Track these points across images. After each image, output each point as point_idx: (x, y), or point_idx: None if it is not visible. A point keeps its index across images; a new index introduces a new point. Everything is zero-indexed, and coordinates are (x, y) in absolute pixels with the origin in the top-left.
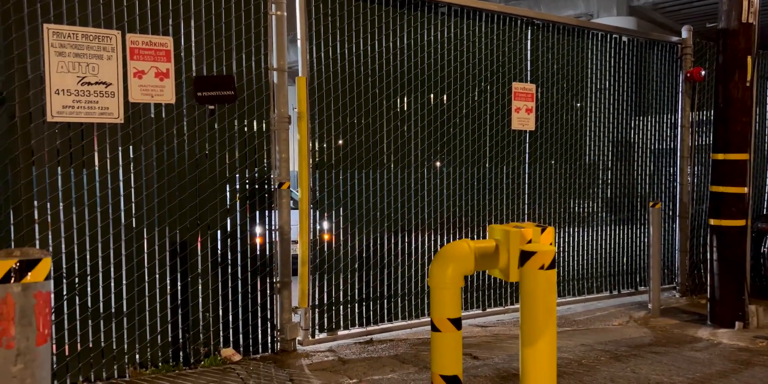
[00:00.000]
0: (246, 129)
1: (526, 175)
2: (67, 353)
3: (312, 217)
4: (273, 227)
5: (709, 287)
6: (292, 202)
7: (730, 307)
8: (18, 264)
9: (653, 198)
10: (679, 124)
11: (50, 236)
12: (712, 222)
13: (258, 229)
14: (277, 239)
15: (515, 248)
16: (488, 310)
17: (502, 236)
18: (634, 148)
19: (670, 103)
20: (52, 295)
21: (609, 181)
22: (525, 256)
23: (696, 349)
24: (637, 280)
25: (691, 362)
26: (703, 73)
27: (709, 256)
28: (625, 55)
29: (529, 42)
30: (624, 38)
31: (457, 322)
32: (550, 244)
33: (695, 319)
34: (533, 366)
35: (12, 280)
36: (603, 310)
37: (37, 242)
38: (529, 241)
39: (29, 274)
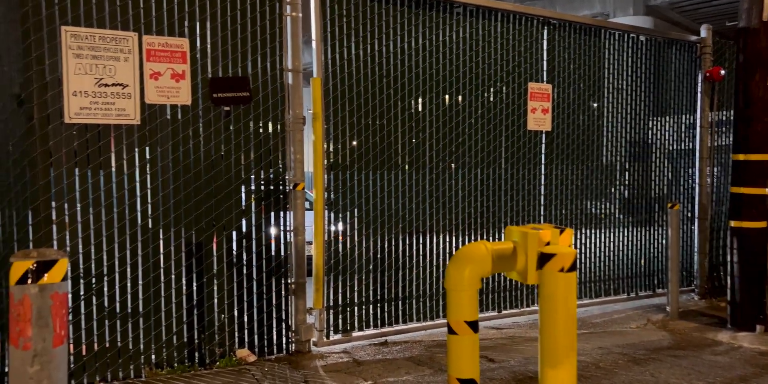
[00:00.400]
0: (261, 130)
1: (542, 176)
2: (84, 353)
3: (327, 218)
4: (288, 228)
5: (729, 290)
6: (306, 203)
7: (750, 310)
8: (35, 265)
9: (671, 199)
10: (698, 124)
11: (68, 237)
12: (732, 224)
13: (273, 230)
14: (292, 240)
15: (533, 250)
16: (504, 312)
17: (520, 238)
18: (652, 148)
19: (689, 103)
20: (69, 296)
21: (626, 182)
22: (544, 259)
23: (716, 353)
24: (655, 282)
25: (711, 366)
26: (722, 72)
27: (729, 259)
28: (643, 55)
29: (545, 42)
30: (642, 38)
31: (474, 325)
32: (569, 245)
33: (715, 323)
34: (553, 370)
35: (29, 281)
36: (620, 313)
37: (55, 243)
38: (547, 243)
39: (46, 275)
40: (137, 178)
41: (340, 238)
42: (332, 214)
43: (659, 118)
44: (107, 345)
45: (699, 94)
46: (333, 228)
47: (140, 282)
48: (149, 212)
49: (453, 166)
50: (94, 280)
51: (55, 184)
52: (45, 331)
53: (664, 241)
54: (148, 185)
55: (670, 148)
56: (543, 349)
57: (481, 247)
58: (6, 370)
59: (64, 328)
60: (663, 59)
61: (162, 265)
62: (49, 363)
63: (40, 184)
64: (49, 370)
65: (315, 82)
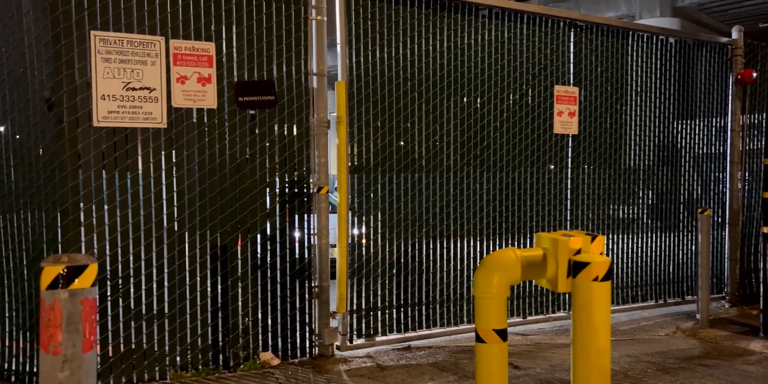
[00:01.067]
0: (286, 133)
1: (569, 180)
2: (110, 354)
3: (350, 222)
4: (312, 231)
5: (762, 298)
6: (330, 206)
7: None
8: (65, 270)
9: (701, 204)
10: (729, 127)
11: (95, 239)
12: (765, 230)
13: (297, 233)
14: (316, 243)
15: (563, 258)
16: (529, 318)
17: (550, 245)
18: (681, 152)
19: (719, 105)
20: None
21: (654, 186)
22: (578, 267)
23: (749, 363)
24: (684, 288)
25: (743, 376)
26: (754, 74)
27: (762, 266)
28: (672, 57)
29: (571, 44)
30: (671, 40)
31: (502, 334)
32: (601, 253)
33: (746, 331)
34: (585, 381)
35: (59, 287)
36: (648, 320)
37: (83, 245)
38: (578, 251)
39: (76, 280)
40: (164, 181)
41: (364, 241)
42: (356, 218)
43: (688, 122)
44: (133, 347)
45: (730, 97)
46: (356, 231)
47: (166, 284)
48: (175, 215)
49: (477, 169)
50: (120, 282)
51: (84, 186)
52: (75, 336)
53: (693, 247)
54: (175, 188)
55: (700, 151)
56: (575, 360)
57: (510, 253)
58: (35, 370)
59: (93, 333)
60: (692, 61)
61: (187, 267)
62: (79, 368)
63: (69, 187)
64: (79, 376)
65: (339, 86)
